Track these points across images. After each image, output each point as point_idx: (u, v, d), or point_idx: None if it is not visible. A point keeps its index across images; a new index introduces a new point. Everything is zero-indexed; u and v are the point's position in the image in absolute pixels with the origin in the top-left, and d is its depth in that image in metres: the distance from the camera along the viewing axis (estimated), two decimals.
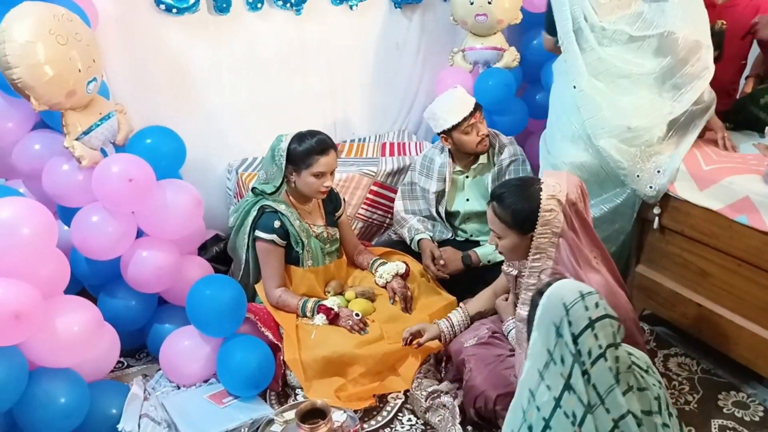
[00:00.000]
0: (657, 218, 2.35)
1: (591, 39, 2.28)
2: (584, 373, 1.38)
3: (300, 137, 2.37)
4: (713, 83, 2.30)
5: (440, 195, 2.67)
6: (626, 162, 2.27)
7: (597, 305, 1.42)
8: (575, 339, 1.39)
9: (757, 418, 2.10)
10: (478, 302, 2.25)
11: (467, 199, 2.66)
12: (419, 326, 2.19)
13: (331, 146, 2.37)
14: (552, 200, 1.80)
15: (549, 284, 1.51)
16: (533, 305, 1.53)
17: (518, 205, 1.84)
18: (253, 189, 2.46)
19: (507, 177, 2.57)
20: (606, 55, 2.28)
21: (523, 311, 1.90)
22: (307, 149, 2.33)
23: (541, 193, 1.81)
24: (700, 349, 2.40)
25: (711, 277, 2.25)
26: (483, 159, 2.62)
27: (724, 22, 2.36)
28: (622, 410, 1.39)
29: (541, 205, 1.80)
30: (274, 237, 2.36)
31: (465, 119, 2.52)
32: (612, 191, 2.37)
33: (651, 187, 2.28)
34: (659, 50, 2.24)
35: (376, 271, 2.51)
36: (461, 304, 2.28)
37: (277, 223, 2.36)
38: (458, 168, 2.66)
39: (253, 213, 2.40)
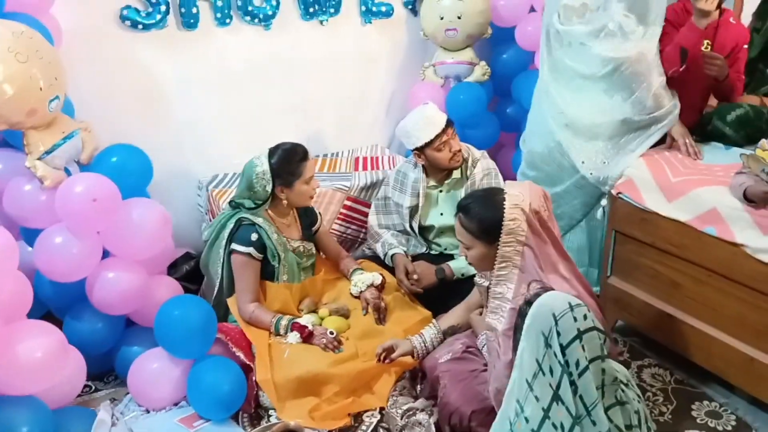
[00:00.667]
0: (602, 209, 2.56)
1: (554, 42, 2.53)
2: (572, 383, 1.41)
3: (275, 153, 2.35)
4: (682, 99, 2.42)
5: (414, 210, 2.66)
6: (574, 151, 2.50)
7: (585, 317, 1.45)
8: (563, 349, 1.41)
9: (729, 427, 2.12)
10: (450, 317, 2.24)
11: (441, 214, 2.66)
12: (391, 342, 2.17)
13: (306, 150, 2.40)
14: (515, 209, 1.82)
15: (538, 294, 1.53)
16: (521, 315, 1.55)
17: (483, 215, 1.87)
18: (230, 202, 2.43)
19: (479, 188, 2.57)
20: (563, 56, 2.50)
21: (492, 320, 1.90)
22: (291, 160, 2.33)
23: (504, 202, 1.83)
24: (674, 360, 2.42)
25: (682, 288, 2.27)
26: (456, 174, 2.62)
27: (709, 43, 2.42)
28: (606, 425, 1.41)
29: (504, 215, 1.81)
30: (251, 250, 2.33)
31: (437, 136, 2.51)
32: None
33: (591, 174, 2.47)
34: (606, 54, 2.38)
35: (353, 279, 2.49)
36: (433, 320, 2.26)
37: (254, 236, 2.33)
38: (432, 183, 2.65)
39: (230, 226, 2.36)
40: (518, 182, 1.94)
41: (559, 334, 1.42)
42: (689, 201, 2.15)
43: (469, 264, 2.01)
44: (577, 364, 1.41)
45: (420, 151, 2.56)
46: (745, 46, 2.49)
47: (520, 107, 3.36)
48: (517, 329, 1.57)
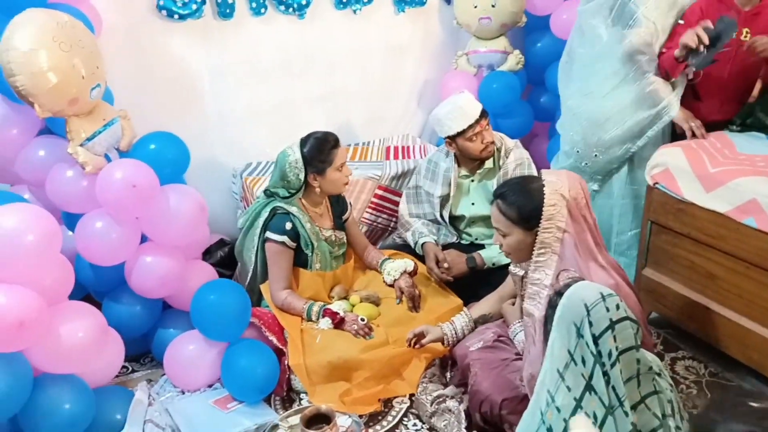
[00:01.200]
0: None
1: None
2: (604, 374, 1.39)
3: (307, 141, 2.38)
4: (722, 93, 2.42)
5: (445, 199, 2.66)
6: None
7: (618, 307, 1.43)
8: (596, 340, 1.40)
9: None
10: (482, 306, 2.25)
11: (473, 204, 2.65)
12: (422, 328, 2.19)
13: (337, 137, 2.42)
14: (555, 195, 1.81)
15: (567, 285, 1.52)
16: (551, 305, 1.54)
17: (522, 201, 1.85)
18: (265, 191, 2.46)
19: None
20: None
21: (529, 306, 1.89)
22: (323, 148, 2.36)
23: (544, 188, 1.82)
24: (708, 352, 2.38)
25: (719, 280, 2.23)
26: (488, 163, 2.60)
27: (748, 31, 2.33)
28: (631, 417, 1.39)
29: (544, 200, 1.80)
30: (284, 238, 2.36)
31: (470, 127, 2.50)
32: None
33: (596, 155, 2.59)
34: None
35: (384, 269, 2.50)
36: (465, 308, 2.27)
37: (288, 225, 2.36)
38: (463, 172, 2.64)
39: (265, 214, 2.40)
40: (555, 170, 1.93)
41: (591, 324, 1.41)
42: (728, 191, 2.11)
43: (505, 254, 1.99)
44: (609, 354, 1.39)
45: (452, 139, 2.55)
46: None
47: (554, 96, 3.32)
48: (547, 320, 1.56)
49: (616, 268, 1.90)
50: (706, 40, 2.22)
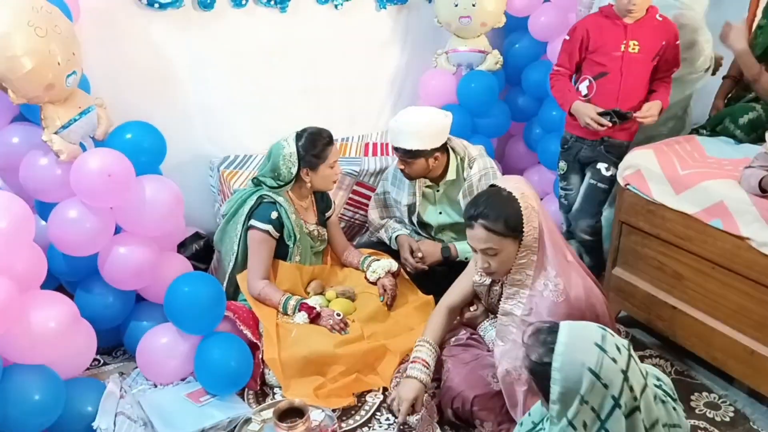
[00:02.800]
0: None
1: None
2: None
3: (302, 136, 2.38)
4: (612, 98, 2.53)
5: (412, 207, 2.65)
6: None
7: (618, 348, 1.28)
8: (618, 401, 1.26)
9: (727, 419, 2.14)
10: (437, 329, 2.10)
11: (440, 213, 2.65)
12: (407, 398, 1.95)
13: (331, 134, 2.43)
14: (524, 197, 1.85)
15: (541, 341, 1.34)
16: (536, 375, 1.37)
17: (505, 213, 1.83)
18: (253, 179, 2.45)
19: (478, 192, 2.54)
20: None
21: (508, 305, 1.92)
22: (318, 143, 2.36)
23: (512, 194, 1.85)
24: (675, 351, 2.44)
25: (685, 280, 2.29)
26: (451, 174, 2.56)
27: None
28: None
29: (520, 205, 1.83)
30: (269, 228, 2.36)
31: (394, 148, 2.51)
32: None
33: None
34: None
35: (369, 267, 2.52)
36: (425, 336, 2.09)
37: (274, 214, 2.36)
38: (428, 182, 2.62)
39: (251, 202, 2.39)
40: (508, 177, 1.97)
41: (606, 386, 1.25)
42: (697, 193, 2.17)
43: (491, 274, 1.93)
44: (625, 405, 1.26)
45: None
46: (677, 42, 2.48)
47: (531, 97, 3.37)
48: (542, 386, 1.38)
49: (580, 262, 1.97)
50: (608, 124, 2.46)
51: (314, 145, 2.36)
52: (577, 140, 2.66)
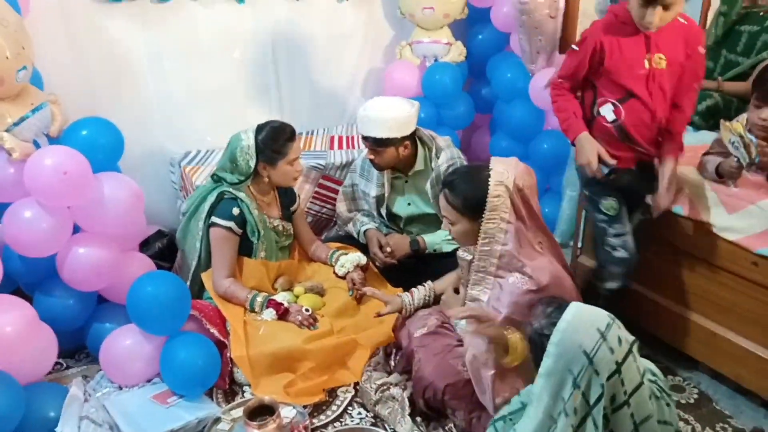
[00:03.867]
0: None
1: None
2: (605, 416, 1.27)
3: (263, 129, 2.34)
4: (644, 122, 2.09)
5: (380, 199, 2.65)
6: None
7: (620, 341, 1.27)
8: (604, 389, 1.26)
9: (692, 400, 2.19)
10: (444, 282, 2.26)
11: (408, 204, 2.65)
12: (384, 297, 2.23)
13: (294, 130, 2.38)
14: (500, 186, 1.84)
15: (551, 322, 1.35)
16: (534, 344, 1.41)
17: (468, 192, 1.87)
18: (212, 175, 2.40)
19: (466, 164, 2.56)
20: None
21: (474, 291, 1.94)
22: (278, 138, 2.32)
23: (489, 179, 1.84)
24: (639, 336, 2.44)
25: (649, 266, 2.32)
26: (420, 165, 2.57)
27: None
28: None
29: (489, 191, 1.83)
30: (231, 224, 2.31)
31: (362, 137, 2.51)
32: None
33: None
34: None
35: (337, 261, 2.50)
36: (429, 282, 2.26)
37: (236, 211, 2.32)
38: (396, 173, 2.63)
39: (211, 199, 2.35)
40: (505, 158, 1.95)
41: (597, 373, 1.25)
42: None
43: (452, 239, 2.01)
44: (613, 399, 1.26)
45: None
46: (701, 49, 2.07)
47: (495, 88, 3.39)
48: (535, 352, 1.43)
49: (558, 255, 1.96)
50: (602, 176, 2.10)
51: (274, 139, 2.32)
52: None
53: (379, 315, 2.21)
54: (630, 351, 1.28)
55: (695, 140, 2.41)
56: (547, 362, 1.30)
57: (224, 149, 2.41)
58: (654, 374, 1.50)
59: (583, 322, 1.29)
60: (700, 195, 2.10)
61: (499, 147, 3.30)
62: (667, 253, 2.26)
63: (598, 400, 1.26)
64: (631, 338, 1.31)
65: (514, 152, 3.17)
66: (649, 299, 2.34)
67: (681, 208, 2.15)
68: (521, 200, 1.86)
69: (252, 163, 2.32)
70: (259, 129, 2.35)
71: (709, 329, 2.17)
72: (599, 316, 1.31)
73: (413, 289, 2.25)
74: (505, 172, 1.86)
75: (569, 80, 2.15)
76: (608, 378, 1.25)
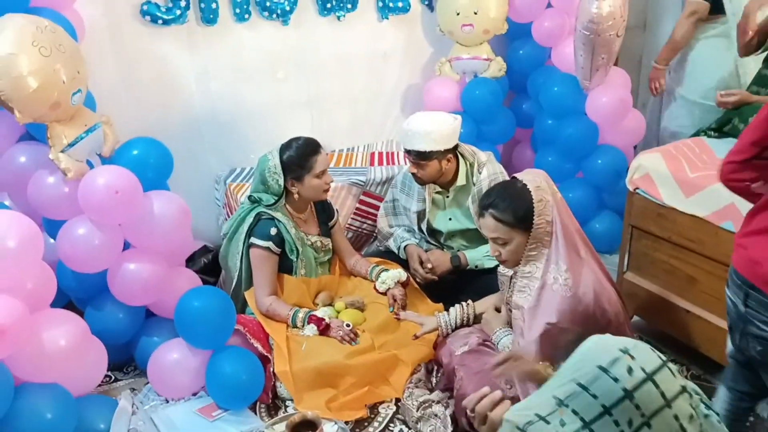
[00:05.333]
0: None
1: None
2: None
3: (287, 147, 2.37)
4: None
5: (422, 214, 2.64)
6: None
7: (630, 371, 1.16)
8: (607, 410, 1.14)
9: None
10: (485, 302, 2.25)
11: (449, 219, 2.64)
12: (419, 319, 2.25)
13: (318, 144, 2.41)
14: (539, 191, 1.86)
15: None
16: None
17: (515, 203, 1.87)
18: (249, 197, 2.45)
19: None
20: None
21: (518, 298, 1.93)
22: (302, 154, 2.35)
23: (527, 187, 1.87)
24: (690, 355, 2.41)
25: (698, 283, 2.27)
26: (461, 180, 2.56)
27: None
28: None
29: (533, 197, 1.85)
30: (269, 244, 2.35)
31: (406, 151, 2.51)
32: None
33: None
34: None
35: (378, 277, 2.51)
36: (469, 301, 2.27)
37: (273, 231, 2.35)
38: (437, 188, 2.61)
39: (249, 220, 2.39)
40: (528, 170, 1.98)
41: (595, 397, 1.14)
42: (707, 196, 2.15)
43: (503, 262, 1.99)
44: (630, 423, 1.13)
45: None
46: None
47: (536, 103, 3.36)
48: None
49: (597, 260, 1.96)
50: None
51: (299, 156, 2.35)
52: None
53: (416, 337, 2.22)
54: (647, 378, 1.16)
55: None
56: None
57: (255, 170, 2.45)
58: (697, 393, 1.43)
59: (587, 357, 1.20)
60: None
61: (545, 162, 3.24)
62: (717, 271, 2.19)
63: (599, 418, 1.15)
64: (654, 365, 1.18)
65: (564, 168, 3.17)
66: (700, 318, 2.27)
67: (731, 224, 2.08)
68: (558, 203, 1.89)
69: (281, 182, 2.35)
70: (284, 148, 2.38)
71: None
72: (613, 350, 1.19)
73: (451, 308, 2.24)
74: (537, 179, 1.89)
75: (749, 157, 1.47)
76: (615, 402, 1.15)
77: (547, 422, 1.16)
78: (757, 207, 1.51)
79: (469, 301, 2.26)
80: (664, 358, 1.22)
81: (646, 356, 1.19)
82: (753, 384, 1.64)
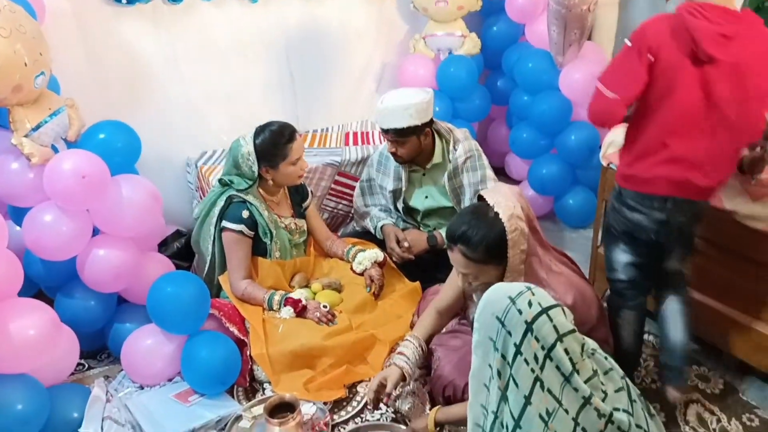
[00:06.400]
0: None
1: None
2: (536, 379, 1.34)
3: (261, 133, 2.32)
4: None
5: (397, 193, 2.63)
6: None
7: (530, 304, 1.37)
8: (518, 348, 1.35)
9: (717, 391, 2.16)
10: (425, 327, 2.07)
11: (426, 197, 2.63)
12: (378, 379, 1.93)
13: (294, 130, 2.35)
14: (513, 219, 1.71)
15: None
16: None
17: (487, 238, 1.70)
18: (219, 180, 2.41)
19: (463, 174, 2.52)
20: None
21: None
22: (277, 142, 2.30)
23: (500, 216, 1.71)
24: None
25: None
26: (437, 157, 2.55)
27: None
28: (579, 402, 1.36)
29: (506, 229, 1.70)
30: (242, 227, 2.32)
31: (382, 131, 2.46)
32: None
33: None
34: None
35: (354, 258, 2.49)
36: (413, 333, 2.06)
37: (245, 213, 2.32)
38: (413, 166, 2.59)
39: (220, 203, 2.35)
40: (494, 189, 1.84)
41: (510, 334, 1.36)
42: None
43: (473, 290, 1.89)
44: (536, 358, 1.35)
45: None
46: None
47: (511, 80, 3.35)
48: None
49: (566, 263, 1.91)
50: None
51: (273, 144, 2.30)
52: None
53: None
54: (543, 312, 1.37)
55: None
56: (474, 337, 1.42)
57: (227, 154, 2.41)
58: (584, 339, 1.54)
59: (497, 294, 1.41)
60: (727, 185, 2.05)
61: (521, 139, 3.26)
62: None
63: (514, 358, 1.36)
64: (549, 303, 1.39)
65: (539, 144, 3.17)
66: None
67: None
68: (529, 225, 1.76)
69: (255, 168, 2.31)
70: (257, 134, 2.32)
71: (734, 319, 2.13)
72: (514, 286, 1.41)
73: (401, 348, 2.01)
74: (509, 203, 1.73)
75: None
76: (522, 338, 1.35)
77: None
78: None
79: (413, 334, 2.04)
80: (559, 302, 1.43)
81: (544, 294, 1.42)
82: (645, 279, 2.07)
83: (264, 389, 2.19)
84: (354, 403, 2.12)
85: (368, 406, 1.98)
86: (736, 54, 1.74)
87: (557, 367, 1.35)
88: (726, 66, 1.74)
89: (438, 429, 1.83)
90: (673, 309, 2.06)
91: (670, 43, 1.78)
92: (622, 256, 2.05)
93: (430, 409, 2.00)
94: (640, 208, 1.93)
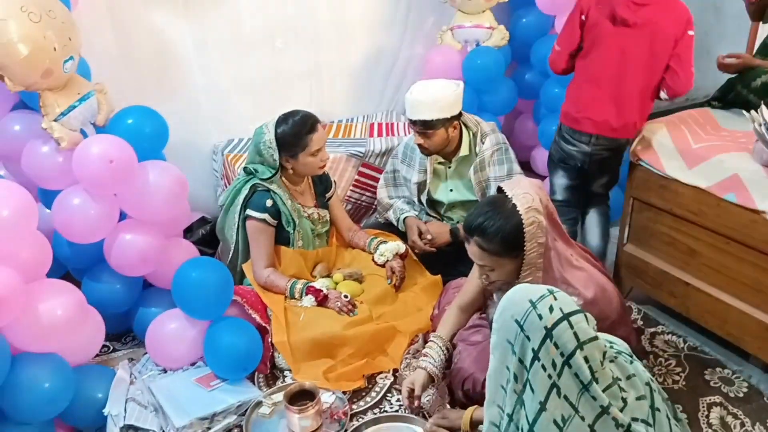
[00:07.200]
0: None
1: None
2: (553, 385, 1.31)
3: (283, 122, 2.32)
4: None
5: (422, 185, 2.62)
6: None
7: (551, 309, 1.32)
8: (536, 354, 1.31)
9: (741, 394, 2.12)
10: (448, 325, 2.06)
11: (450, 190, 2.62)
12: (408, 385, 1.92)
13: (316, 121, 2.35)
14: (531, 211, 1.69)
15: None
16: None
17: (504, 230, 1.69)
18: (244, 168, 2.42)
19: (490, 168, 2.51)
20: None
21: None
22: (298, 132, 2.29)
23: (517, 208, 1.69)
24: (688, 327, 2.41)
25: (699, 256, 2.25)
26: (464, 150, 2.53)
27: None
28: (597, 411, 1.31)
29: (523, 221, 1.68)
30: (265, 216, 2.33)
31: (411, 122, 2.45)
32: None
33: None
34: None
35: (376, 249, 2.49)
36: (435, 333, 2.07)
37: (269, 202, 2.33)
38: (439, 159, 2.58)
39: (245, 192, 2.36)
40: (514, 181, 1.81)
41: (528, 339, 1.32)
42: (710, 167, 2.12)
43: (491, 283, 1.84)
44: (554, 365, 1.31)
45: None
46: (690, 32, 2.25)
47: (539, 73, 3.31)
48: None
49: (589, 260, 1.89)
50: None
51: (294, 134, 2.29)
52: None
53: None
54: (564, 318, 1.32)
55: (750, 125, 2.30)
56: (492, 338, 1.40)
57: (251, 142, 2.41)
58: (610, 342, 1.52)
59: (518, 295, 1.37)
60: (755, 182, 2.01)
61: (550, 132, 3.20)
62: (718, 243, 2.17)
63: (531, 363, 1.32)
64: (571, 309, 1.34)
65: None
66: (700, 291, 2.26)
67: (733, 196, 2.06)
68: (549, 219, 1.74)
69: (276, 157, 2.31)
70: (279, 122, 2.32)
71: (761, 321, 2.09)
72: (536, 289, 1.37)
73: (426, 349, 2.01)
74: (528, 195, 1.71)
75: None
76: (540, 344, 1.31)
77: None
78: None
79: (436, 334, 2.05)
80: (581, 309, 1.38)
81: (567, 300, 1.37)
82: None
83: (284, 377, 2.21)
84: (373, 394, 2.13)
85: (406, 411, 1.98)
86: (645, 18, 2.22)
87: (576, 375, 1.30)
88: (636, 28, 2.23)
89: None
90: (592, 219, 2.64)
91: (596, 6, 2.31)
92: (560, 180, 2.59)
93: (449, 403, 2.01)
94: (573, 141, 2.44)
